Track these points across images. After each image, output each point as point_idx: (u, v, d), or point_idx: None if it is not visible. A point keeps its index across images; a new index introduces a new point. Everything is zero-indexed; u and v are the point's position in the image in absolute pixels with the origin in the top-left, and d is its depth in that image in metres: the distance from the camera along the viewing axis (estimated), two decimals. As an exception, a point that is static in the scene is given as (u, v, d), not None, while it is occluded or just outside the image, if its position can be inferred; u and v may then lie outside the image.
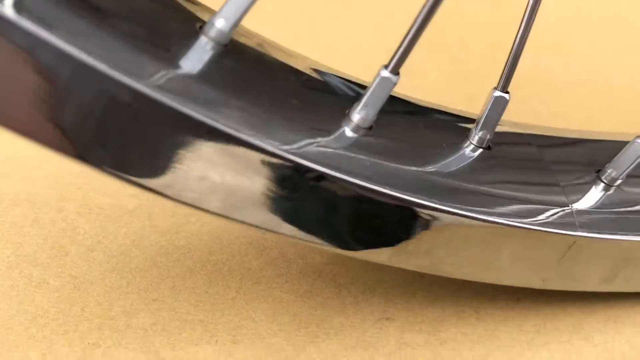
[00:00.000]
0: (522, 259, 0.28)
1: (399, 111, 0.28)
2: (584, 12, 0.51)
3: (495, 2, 0.50)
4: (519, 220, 0.26)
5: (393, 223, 0.25)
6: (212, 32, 0.23)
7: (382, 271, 0.32)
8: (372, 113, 0.25)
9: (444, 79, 0.43)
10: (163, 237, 0.33)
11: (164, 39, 0.23)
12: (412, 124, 0.28)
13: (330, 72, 0.27)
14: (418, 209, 0.25)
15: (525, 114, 0.41)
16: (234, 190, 0.23)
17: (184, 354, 0.28)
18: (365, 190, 0.24)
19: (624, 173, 0.29)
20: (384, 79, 0.24)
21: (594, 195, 0.29)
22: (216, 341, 0.29)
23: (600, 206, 0.29)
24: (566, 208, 0.28)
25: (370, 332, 0.30)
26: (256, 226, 0.24)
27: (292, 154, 0.23)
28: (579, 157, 0.30)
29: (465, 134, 0.28)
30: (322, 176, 0.23)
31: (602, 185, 0.29)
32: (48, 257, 0.31)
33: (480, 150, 0.28)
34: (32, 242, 0.32)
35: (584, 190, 0.29)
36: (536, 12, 0.26)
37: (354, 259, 0.31)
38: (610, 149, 0.30)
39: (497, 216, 0.26)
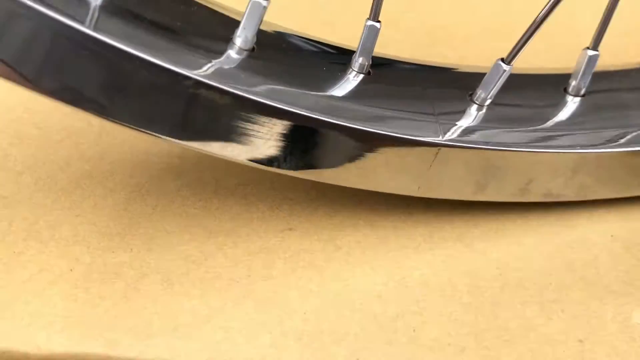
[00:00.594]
0: (395, 167, 0.31)
1: (282, 39, 0.32)
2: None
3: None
4: (387, 129, 0.30)
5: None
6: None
7: (290, 190, 0.35)
8: (250, 35, 0.29)
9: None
10: (88, 163, 0.35)
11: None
12: (296, 52, 0.32)
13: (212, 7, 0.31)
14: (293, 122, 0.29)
15: (435, 57, 0.44)
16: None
17: (101, 260, 0.31)
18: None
19: (491, 92, 0.32)
20: (255, 2, 0.28)
21: (465, 114, 0.32)
22: (132, 249, 0.32)
23: (470, 123, 0.32)
24: (433, 123, 0.31)
25: (273, 241, 0.33)
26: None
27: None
28: (454, 84, 0.34)
29: (347, 61, 0.32)
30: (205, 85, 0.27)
31: (474, 106, 0.33)
32: (-21, 180, 0.34)
33: (362, 75, 0.32)
34: (-36, 168, 0.34)
35: (455, 110, 0.32)
36: None
37: (266, 179, 0.35)
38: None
39: (369, 127, 0.30)
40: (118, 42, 0.25)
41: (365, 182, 0.32)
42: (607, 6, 0.32)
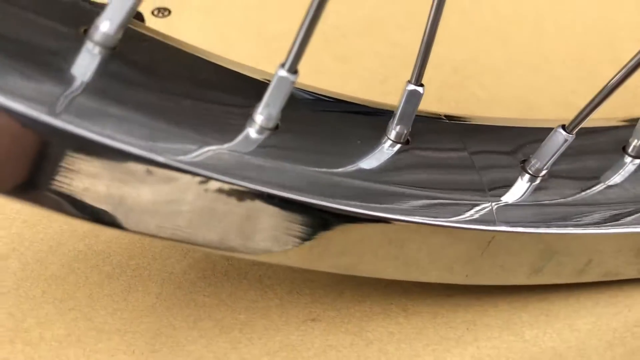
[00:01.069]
0: (441, 256, 0.27)
1: (310, 107, 0.27)
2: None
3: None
4: (433, 218, 0.25)
5: (296, 225, 0.24)
6: (97, 36, 0.22)
7: (310, 271, 0.31)
8: (275, 112, 0.24)
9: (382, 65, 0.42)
10: (82, 242, 0.31)
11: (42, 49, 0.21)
12: (325, 120, 0.27)
13: (234, 68, 0.26)
14: (317, 211, 0.24)
15: (464, 100, 0.40)
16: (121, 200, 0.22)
17: (99, 365, 0.27)
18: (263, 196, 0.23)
19: (548, 163, 0.28)
20: (282, 78, 0.23)
21: (518, 187, 0.28)
22: (133, 351, 0.28)
23: (525, 198, 0.28)
24: (485, 204, 0.27)
25: (295, 335, 0.29)
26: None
27: (185, 163, 0.22)
28: (504, 147, 0.29)
29: (383, 129, 0.27)
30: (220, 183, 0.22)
31: (527, 176, 0.28)
32: (-42, 268, 0.30)
33: (399, 145, 0.27)
34: (-58, 252, 0.30)
35: (507, 182, 0.28)
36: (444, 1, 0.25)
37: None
38: (536, 137, 0.29)
39: (408, 215, 0.25)
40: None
41: (405, 273, 0.27)
42: None
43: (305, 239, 0.24)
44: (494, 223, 0.27)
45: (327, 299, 0.30)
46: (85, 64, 0.22)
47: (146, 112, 0.22)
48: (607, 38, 0.44)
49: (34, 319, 0.28)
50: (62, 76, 0.22)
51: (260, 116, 0.24)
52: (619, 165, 0.30)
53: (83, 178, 0.21)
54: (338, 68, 0.41)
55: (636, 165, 0.31)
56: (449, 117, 0.30)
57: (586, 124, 0.28)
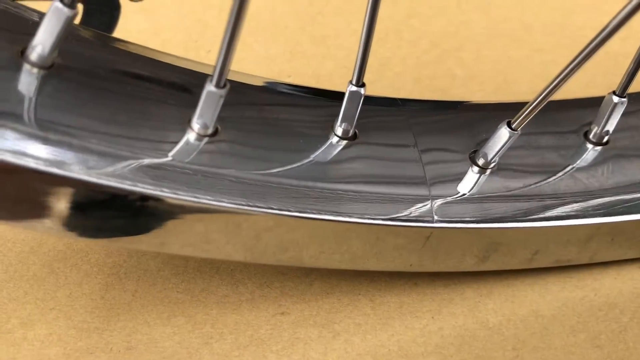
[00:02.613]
0: (383, 249, 0.28)
1: (254, 104, 0.28)
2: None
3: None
4: (369, 218, 0.26)
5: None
6: (33, 58, 0.22)
7: (279, 265, 0.32)
8: (209, 121, 0.25)
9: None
10: (61, 242, 0.32)
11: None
12: (270, 118, 0.27)
13: (174, 68, 0.27)
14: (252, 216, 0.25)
15: (441, 76, 0.39)
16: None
17: (79, 363, 0.29)
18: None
19: (496, 157, 0.28)
20: (211, 92, 0.24)
21: (465, 180, 0.28)
22: (111, 349, 0.29)
23: (470, 192, 0.28)
24: (425, 200, 0.27)
25: (265, 329, 0.30)
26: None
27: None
28: (455, 138, 0.29)
29: (330, 123, 0.28)
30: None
31: (476, 168, 0.29)
32: (-56, 271, 0.31)
33: (345, 141, 0.28)
34: None
35: (453, 176, 0.28)
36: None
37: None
38: (489, 126, 0.29)
39: (346, 215, 0.26)
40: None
41: (353, 264, 0.28)
42: (638, 51, 0.28)
43: (256, 240, 0.26)
44: (431, 220, 0.27)
45: (296, 292, 0.31)
46: (24, 87, 0.23)
47: (80, 131, 0.23)
48: (591, 1, 0.43)
49: (17, 320, 0.30)
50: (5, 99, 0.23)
51: (196, 125, 0.25)
52: (579, 153, 0.30)
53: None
54: (314, 50, 0.41)
55: (597, 152, 0.30)
56: (404, 102, 0.30)
57: (548, 105, 0.28)
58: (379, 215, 0.27)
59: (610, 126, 0.30)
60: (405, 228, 0.27)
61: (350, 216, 0.26)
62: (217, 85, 0.24)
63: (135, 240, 0.26)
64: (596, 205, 0.29)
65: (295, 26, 0.42)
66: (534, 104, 0.26)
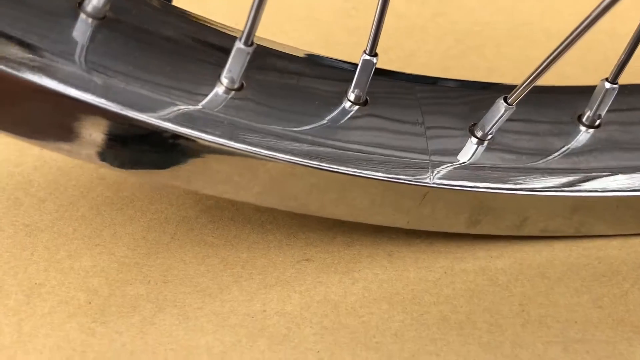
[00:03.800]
0: (381, 204, 0.31)
1: (276, 66, 0.31)
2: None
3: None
4: (371, 172, 0.29)
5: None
6: (89, 9, 0.26)
7: (306, 218, 0.34)
8: (236, 77, 0.29)
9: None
10: (109, 189, 0.36)
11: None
12: (289, 80, 0.31)
13: (213, 29, 0.30)
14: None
15: (466, 68, 0.42)
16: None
17: (119, 292, 0.32)
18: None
19: (492, 129, 0.31)
20: (239, 49, 0.28)
21: (463, 149, 0.31)
22: (149, 281, 0.32)
23: (467, 160, 0.31)
24: (423, 162, 0.30)
25: (290, 272, 0.32)
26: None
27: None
28: (457, 110, 0.32)
29: (344, 90, 0.31)
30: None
31: (474, 139, 0.31)
32: (4, 208, 0.34)
33: (357, 106, 0.31)
34: (-10, 194, 0.35)
35: (452, 144, 0.31)
36: None
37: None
38: (490, 101, 0.31)
39: (352, 169, 0.29)
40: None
41: (351, 215, 0.31)
42: (632, 38, 0.30)
43: (271, 185, 0.29)
44: (428, 180, 0.30)
45: (320, 243, 0.34)
46: (78, 33, 0.27)
47: (123, 75, 0.27)
48: (612, 9, 0.46)
49: (66, 252, 0.33)
50: (62, 43, 0.27)
51: (224, 79, 0.29)
52: (572, 134, 0.33)
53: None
54: (348, 39, 0.44)
55: (589, 135, 0.33)
56: (416, 77, 0.33)
57: (546, 90, 0.31)
58: (380, 171, 0.30)
59: (602, 110, 0.32)
60: (403, 185, 0.30)
61: (353, 169, 0.29)
62: (246, 43, 0.28)
63: (164, 175, 0.29)
64: (583, 180, 0.32)
65: (330, 19, 0.45)
66: (527, 81, 0.28)
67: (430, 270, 0.33)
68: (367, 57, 0.30)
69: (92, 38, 0.27)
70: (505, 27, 0.45)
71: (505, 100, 0.30)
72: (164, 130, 0.27)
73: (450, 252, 0.33)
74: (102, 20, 0.27)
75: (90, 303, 0.31)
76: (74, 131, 0.27)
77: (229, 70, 0.28)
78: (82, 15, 0.27)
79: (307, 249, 0.33)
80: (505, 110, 0.30)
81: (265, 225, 0.34)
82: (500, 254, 0.33)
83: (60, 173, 0.36)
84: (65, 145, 0.27)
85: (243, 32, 0.27)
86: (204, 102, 0.29)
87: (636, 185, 0.32)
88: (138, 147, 0.28)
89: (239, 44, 0.28)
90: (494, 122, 0.30)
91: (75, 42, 0.27)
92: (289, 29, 0.44)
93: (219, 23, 0.32)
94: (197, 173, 0.29)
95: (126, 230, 0.34)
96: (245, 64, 0.28)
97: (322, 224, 0.34)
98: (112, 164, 0.29)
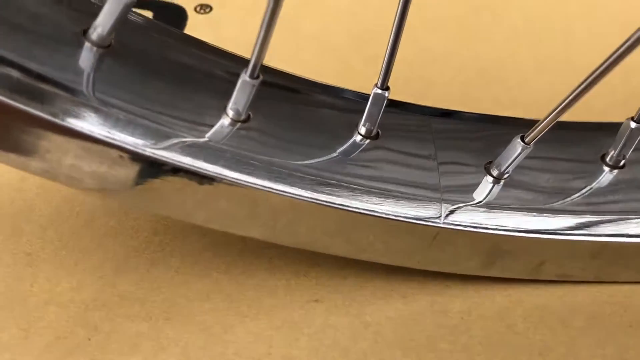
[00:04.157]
0: (391, 243, 0.30)
1: (284, 95, 0.30)
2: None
3: None
4: (377, 210, 0.28)
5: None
6: (94, 37, 0.26)
7: (317, 256, 0.33)
8: (241, 109, 0.27)
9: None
10: (113, 218, 0.34)
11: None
12: (297, 110, 0.30)
13: (218, 57, 0.30)
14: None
15: (487, 101, 0.41)
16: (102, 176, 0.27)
17: (120, 328, 0.30)
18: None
19: (509, 168, 0.29)
20: (245, 82, 0.27)
21: (480, 189, 0.30)
22: (151, 317, 0.31)
23: (481, 200, 0.30)
24: (435, 201, 0.29)
25: (298, 313, 0.31)
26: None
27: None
28: (474, 147, 0.31)
29: (355, 122, 0.30)
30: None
31: (490, 178, 0.30)
32: (4, 235, 0.33)
33: (368, 140, 0.30)
34: (-9, 221, 0.34)
35: (466, 181, 0.30)
36: (408, 6, 0.26)
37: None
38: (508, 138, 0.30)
39: (359, 207, 0.28)
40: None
41: (358, 253, 0.30)
42: None
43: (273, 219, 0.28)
44: (439, 221, 0.29)
45: (331, 283, 0.32)
46: (83, 62, 0.26)
47: (128, 106, 0.26)
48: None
49: (67, 284, 0.32)
50: (66, 72, 0.26)
51: (230, 111, 0.28)
52: (594, 174, 0.31)
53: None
54: (365, 69, 0.43)
55: (613, 175, 0.31)
56: (431, 110, 0.32)
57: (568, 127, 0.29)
58: (388, 210, 0.28)
59: (627, 151, 0.31)
60: (412, 225, 0.28)
61: (360, 208, 0.28)
62: (251, 76, 0.27)
63: (164, 207, 0.28)
64: (605, 224, 0.30)
65: (349, 46, 0.44)
66: (546, 120, 0.27)
67: (447, 316, 0.31)
68: (379, 91, 0.29)
69: (96, 67, 0.26)
70: (530, 60, 0.43)
71: (523, 139, 0.28)
72: (163, 163, 0.26)
73: (468, 297, 0.32)
74: (107, 48, 0.26)
75: (89, 339, 0.30)
76: (69, 161, 0.26)
77: (235, 103, 0.27)
78: (87, 44, 0.26)
79: (317, 288, 0.32)
80: (523, 150, 0.28)
81: (274, 261, 0.33)
82: (520, 299, 0.32)
83: (63, 200, 0.35)
84: (63, 177, 0.27)
85: (248, 64, 0.26)
86: (209, 134, 0.28)
87: None
88: (137, 180, 0.27)
89: (244, 77, 0.27)
90: (510, 161, 0.29)
91: (79, 71, 0.26)
92: (308, 57, 0.43)
93: (229, 52, 0.31)
94: (199, 206, 0.28)
95: (129, 264, 0.33)
96: (252, 96, 0.27)
97: (334, 262, 0.33)
98: (113, 195, 0.28)
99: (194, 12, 0.46)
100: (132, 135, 0.26)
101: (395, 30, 0.27)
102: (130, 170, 0.26)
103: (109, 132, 0.25)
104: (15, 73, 0.25)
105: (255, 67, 0.26)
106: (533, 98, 0.41)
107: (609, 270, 0.31)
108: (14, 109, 0.24)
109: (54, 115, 0.25)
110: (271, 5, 0.24)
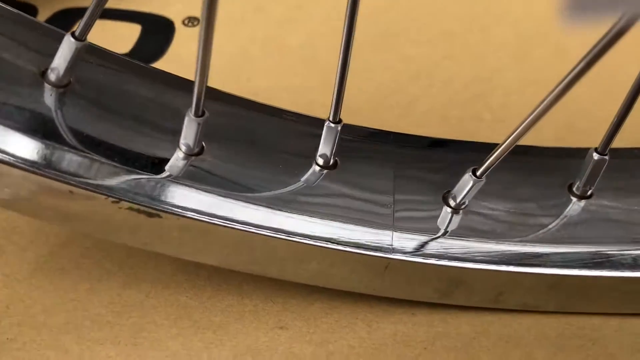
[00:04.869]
0: (346, 272, 0.30)
1: (239, 125, 0.30)
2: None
3: None
4: (329, 243, 0.29)
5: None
6: (52, 78, 0.27)
7: (284, 281, 0.33)
8: (192, 143, 0.28)
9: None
10: (89, 240, 0.35)
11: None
12: (253, 140, 0.30)
13: (176, 88, 0.30)
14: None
15: (468, 118, 0.40)
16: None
17: (89, 352, 0.31)
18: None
19: (464, 199, 0.29)
20: (190, 120, 0.27)
21: (435, 218, 0.30)
22: (119, 342, 0.31)
23: (435, 230, 0.29)
24: (386, 231, 0.29)
25: (262, 340, 0.31)
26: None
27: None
28: (432, 176, 0.31)
29: (311, 153, 0.30)
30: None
31: (447, 208, 0.30)
32: (-15, 256, 0.34)
33: (325, 171, 0.30)
34: (-27, 241, 0.35)
35: (422, 212, 0.30)
36: (352, 42, 0.26)
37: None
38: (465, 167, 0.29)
39: (311, 239, 0.29)
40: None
41: (313, 280, 0.31)
42: (620, 108, 0.28)
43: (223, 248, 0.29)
44: (389, 251, 0.29)
45: (297, 309, 0.32)
46: (42, 103, 0.27)
47: (81, 144, 0.27)
48: (629, 58, 0.43)
49: (41, 306, 0.33)
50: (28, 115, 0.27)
51: (182, 145, 0.28)
52: (559, 205, 0.30)
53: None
54: (347, 82, 0.42)
55: (579, 206, 0.30)
56: (396, 136, 0.32)
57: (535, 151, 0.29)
58: (341, 241, 0.29)
59: (591, 182, 0.30)
60: (362, 256, 0.29)
61: (311, 239, 0.29)
62: (196, 115, 0.27)
63: (122, 237, 0.30)
64: (562, 257, 0.29)
65: (332, 60, 0.44)
66: (495, 153, 0.27)
67: (409, 346, 0.31)
68: (331, 125, 0.29)
69: (54, 106, 0.27)
70: (515, 74, 0.42)
71: (474, 172, 0.28)
72: (117, 200, 0.27)
73: (433, 326, 0.32)
74: (65, 87, 0.27)
75: (58, 363, 0.31)
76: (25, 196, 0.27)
77: (184, 138, 0.28)
78: (46, 85, 0.27)
79: (283, 314, 0.32)
80: (475, 183, 0.28)
81: (243, 286, 0.33)
82: (486, 329, 0.31)
83: (45, 222, 0.36)
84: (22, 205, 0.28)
85: (191, 104, 0.27)
86: (165, 167, 0.28)
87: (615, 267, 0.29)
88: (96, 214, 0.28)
89: (189, 116, 0.27)
90: (463, 194, 0.29)
91: (35, 111, 0.27)
92: (291, 73, 0.43)
93: (188, 81, 0.31)
94: (153, 237, 0.29)
95: (102, 286, 0.33)
96: (199, 133, 0.28)
97: (302, 288, 0.33)
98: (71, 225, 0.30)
99: (181, 25, 0.46)
100: (82, 171, 0.27)
101: (341, 66, 0.27)
102: (85, 205, 0.27)
103: (59, 169, 0.26)
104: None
105: (198, 105, 0.26)
106: (516, 114, 0.40)
107: (571, 302, 0.31)
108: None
109: (10, 155, 0.26)
110: (202, 39, 0.24)
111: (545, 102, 0.25)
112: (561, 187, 0.31)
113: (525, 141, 0.36)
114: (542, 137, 0.39)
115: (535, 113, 0.25)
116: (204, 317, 0.32)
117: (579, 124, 0.39)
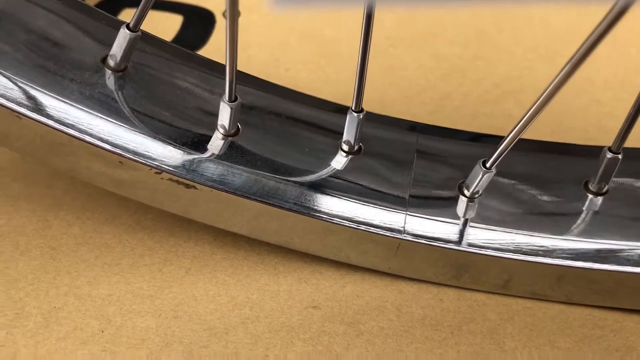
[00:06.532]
0: (362, 250, 0.32)
1: (272, 110, 0.33)
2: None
3: None
4: (347, 220, 0.31)
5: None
6: (110, 64, 0.30)
7: (319, 263, 0.34)
8: (227, 126, 0.31)
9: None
10: (132, 217, 0.37)
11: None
12: (285, 128, 0.32)
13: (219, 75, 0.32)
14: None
15: (498, 115, 0.42)
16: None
17: (130, 323, 0.33)
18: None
19: (477, 189, 0.31)
20: (224, 105, 0.30)
21: (449, 205, 0.31)
22: (160, 315, 0.33)
23: (449, 216, 0.31)
24: (400, 213, 0.31)
25: (296, 318, 0.33)
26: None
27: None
28: (451, 164, 0.32)
29: (337, 139, 0.32)
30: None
31: (461, 197, 0.31)
32: (34, 229, 0.36)
33: (350, 156, 0.32)
34: (22, 215, 0.37)
35: (437, 199, 0.31)
36: (371, 31, 0.28)
37: (294, 250, 0.35)
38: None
39: (328, 217, 0.31)
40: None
41: (334, 255, 0.33)
42: (633, 107, 0.29)
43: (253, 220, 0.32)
44: (401, 232, 0.30)
45: (329, 290, 0.34)
46: (106, 85, 0.30)
47: (134, 120, 0.30)
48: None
49: (86, 279, 0.34)
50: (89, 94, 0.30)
51: (220, 127, 0.31)
52: (571, 200, 0.32)
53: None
54: (381, 78, 0.44)
55: (593, 202, 0.31)
56: (422, 127, 0.34)
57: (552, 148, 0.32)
58: (356, 220, 0.31)
59: (606, 180, 0.31)
60: (375, 235, 0.31)
61: (331, 216, 0.31)
62: (229, 100, 0.30)
63: (165, 204, 0.33)
64: (570, 249, 0.31)
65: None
66: (503, 144, 0.28)
67: (437, 329, 0.32)
68: (353, 114, 0.31)
69: (114, 88, 0.29)
70: (545, 73, 0.43)
71: (484, 164, 0.29)
72: (159, 171, 0.30)
73: (460, 312, 0.33)
74: (122, 71, 0.29)
75: (102, 332, 0.32)
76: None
77: (221, 120, 0.30)
78: (106, 70, 0.30)
79: (316, 295, 0.34)
80: (484, 174, 0.29)
81: (278, 267, 0.35)
82: (511, 317, 0.33)
83: (89, 199, 0.38)
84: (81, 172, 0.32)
85: (225, 89, 0.29)
86: (202, 146, 0.31)
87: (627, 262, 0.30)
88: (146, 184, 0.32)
89: (224, 101, 0.30)
90: (475, 184, 0.30)
91: (96, 92, 0.30)
92: (325, 65, 0.45)
93: (220, 64, 0.33)
94: (190, 206, 0.33)
95: (144, 261, 0.35)
96: (233, 117, 0.30)
97: (334, 270, 0.34)
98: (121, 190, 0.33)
99: (222, 17, 0.48)
100: (133, 145, 0.30)
101: (362, 55, 0.29)
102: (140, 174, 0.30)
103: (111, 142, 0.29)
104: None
105: (231, 91, 0.29)
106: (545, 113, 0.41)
107: (578, 293, 0.32)
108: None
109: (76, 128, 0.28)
110: (228, 30, 0.27)
111: (543, 96, 0.26)
112: (578, 183, 0.32)
113: (550, 138, 0.37)
114: (573, 136, 0.41)
115: (534, 107, 0.26)
116: (241, 294, 0.34)
117: (608, 124, 0.40)
